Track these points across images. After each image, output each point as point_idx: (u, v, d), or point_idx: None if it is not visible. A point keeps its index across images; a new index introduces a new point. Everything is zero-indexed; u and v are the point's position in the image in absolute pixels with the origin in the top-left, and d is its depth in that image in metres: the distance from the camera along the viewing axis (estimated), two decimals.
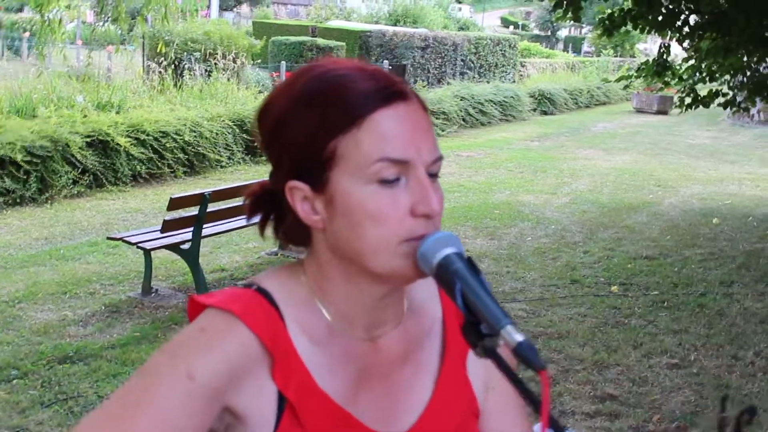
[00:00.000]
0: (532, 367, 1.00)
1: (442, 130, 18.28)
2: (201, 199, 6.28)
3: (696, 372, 5.42)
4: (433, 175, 1.15)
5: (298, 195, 1.15)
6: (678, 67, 9.58)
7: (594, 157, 16.37)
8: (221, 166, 12.88)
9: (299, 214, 1.16)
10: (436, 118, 18.11)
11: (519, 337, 1.01)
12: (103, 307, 6.37)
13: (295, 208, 1.16)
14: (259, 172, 12.72)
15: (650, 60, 9.69)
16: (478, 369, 1.34)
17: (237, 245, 8.31)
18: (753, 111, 17.64)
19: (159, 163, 11.78)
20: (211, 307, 1.17)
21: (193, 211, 6.46)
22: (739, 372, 5.44)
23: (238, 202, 7.13)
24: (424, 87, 22.11)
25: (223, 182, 11.67)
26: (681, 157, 17.03)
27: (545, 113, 25.00)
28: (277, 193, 1.19)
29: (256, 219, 1.25)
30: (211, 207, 6.51)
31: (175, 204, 6.31)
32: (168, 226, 6.28)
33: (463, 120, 20.06)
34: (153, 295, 6.65)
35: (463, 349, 1.32)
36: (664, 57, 9.27)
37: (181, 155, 12.15)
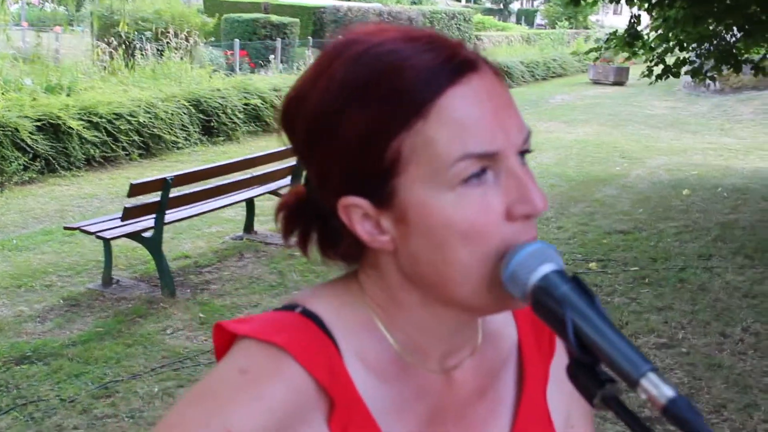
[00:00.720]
0: None
1: None
2: (163, 185, 5.94)
3: (686, 351, 5.24)
4: (523, 156, 0.88)
5: (357, 214, 0.88)
6: (647, 37, 9.39)
7: (556, 130, 16.17)
8: (178, 148, 12.47)
9: (362, 238, 0.88)
10: None
11: (670, 392, 0.75)
12: (61, 301, 6.02)
13: (355, 230, 0.88)
14: (217, 153, 12.38)
15: (618, 30, 9.49)
16: (560, 402, 1.09)
17: (199, 230, 7.97)
18: (714, 81, 17.58)
19: (113, 146, 11.36)
20: (248, 338, 0.89)
21: (155, 197, 6.11)
22: (729, 350, 5.27)
23: (200, 186, 6.82)
24: None
25: (180, 164, 11.31)
26: (642, 127, 16.92)
27: None
28: (317, 203, 0.92)
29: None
30: (173, 192, 6.16)
31: (135, 190, 5.96)
32: (129, 214, 5.93)
33: None
34: (114, 286, 6.31)
35: (542, 379, 1.07)
36: (635, 27, 9.07)
37: (136, 137, 11.73)
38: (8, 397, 4.49)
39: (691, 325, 5.67)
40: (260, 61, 19.56)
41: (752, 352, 5.24)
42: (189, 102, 13.04)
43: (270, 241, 7.57)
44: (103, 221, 6.31)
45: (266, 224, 8.19)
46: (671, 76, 9.39)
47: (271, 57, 19.30)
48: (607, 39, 9.57)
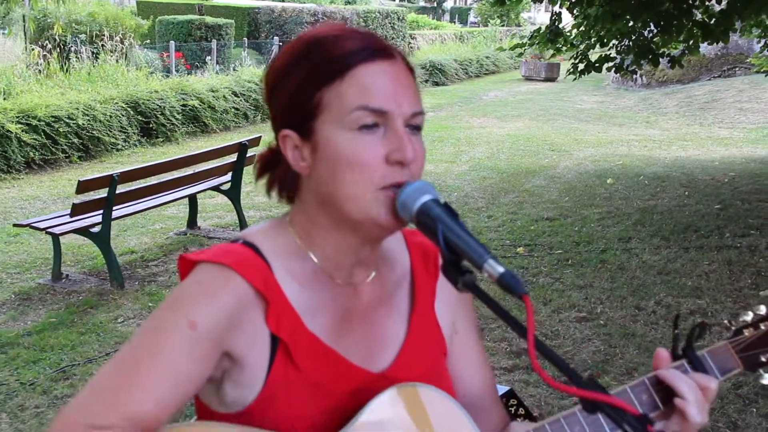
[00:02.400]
0: (516, 294, 1.11)
1: None
2: (110, 182, 6.21)
3: (603, 323, 5.68)
4: (415, 128, 1.26)
5: (290, 143, 1.27)
6: (569, 34, 9.86)
7: (488, 125, 16.69)
8: (117, 150, 12.64)
9: (289, 161, 1.28)
10: None
11: (500, 269, 1.12)
12: (13, 296, 6.25)
13: (287, 155, 1.28)
14: (156, 154, 12.56)
15: (542, 28, 9.94)
16: (446, 314, 1.48)
17: (143, 227, 8.23)
18: (635, 75, 18.18)
19: (53, 149, 11.51)
20: (203, 262, 1.25)
21: (102, 193, 6.37)
22: (642, 321, 5.73)
23: (144, 183, 7.08)
24: None
25: (120, 165, 11.47)
26: (571, 121, 17.51)
27: (437, 84, 25.31)
28: (281, 153, 1.30)
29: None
30: (119, 189, 6.43)
31: (83, 187, 6.21)
32: (77, 210, 6.19)
33: None
34: (64, 280, 6.55)
35: (430, 295, 1.46)
36: (556, 24, 9.54)
37: (75, 140, 11.88)
38: None
39: (609, 300, 6.12)
40: (196, 63, 19.73)
41: (663, 321, 5.71)
42: (127, 104, 13.21)
43: (213, 236, 7.87)
44: (52, 218, 6.55)
45: (209, 220, 8.48)
46: (593, 71, 9.86)
47: (207, 58, 19.48)
48: (531, 36, 10.03)
